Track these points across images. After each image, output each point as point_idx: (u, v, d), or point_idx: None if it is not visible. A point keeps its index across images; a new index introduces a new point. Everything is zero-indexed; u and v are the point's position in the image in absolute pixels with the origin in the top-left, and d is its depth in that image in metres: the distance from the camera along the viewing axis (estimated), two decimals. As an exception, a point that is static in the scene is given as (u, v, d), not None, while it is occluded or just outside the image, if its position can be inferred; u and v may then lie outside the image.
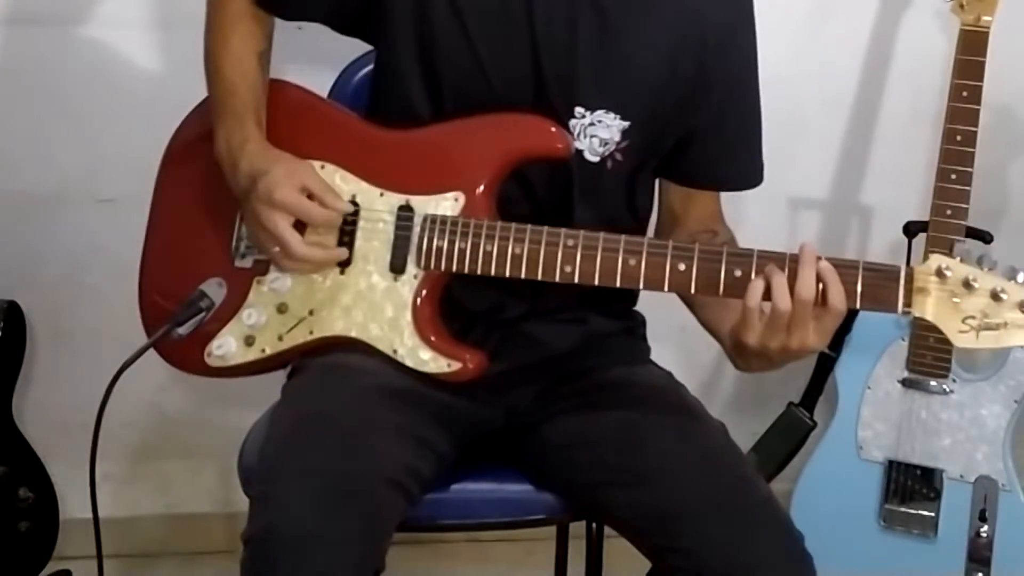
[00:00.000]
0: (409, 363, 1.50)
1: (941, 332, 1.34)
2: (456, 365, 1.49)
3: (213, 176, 1.57)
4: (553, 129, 1.49)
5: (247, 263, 1.58)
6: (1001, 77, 2.13)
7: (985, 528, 2.13)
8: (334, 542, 1.30)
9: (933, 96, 2.24)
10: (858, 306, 1.35)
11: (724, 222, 1.67)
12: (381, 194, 1.52)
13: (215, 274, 1.58)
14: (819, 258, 1.35)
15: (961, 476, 2.15)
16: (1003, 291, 1.31)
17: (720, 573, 1.39)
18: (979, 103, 2.06)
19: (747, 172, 1.65)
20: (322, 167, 1.54)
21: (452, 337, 1.52)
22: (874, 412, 2.20)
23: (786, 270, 1.35)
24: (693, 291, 1.41)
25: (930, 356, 2.15)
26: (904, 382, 2.17)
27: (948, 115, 2.08)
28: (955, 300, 1.32)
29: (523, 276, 1.45)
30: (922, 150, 2.29)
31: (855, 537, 2.20)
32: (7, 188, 2.27)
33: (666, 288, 1.41)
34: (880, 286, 1.34)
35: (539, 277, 1.45)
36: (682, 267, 1.40)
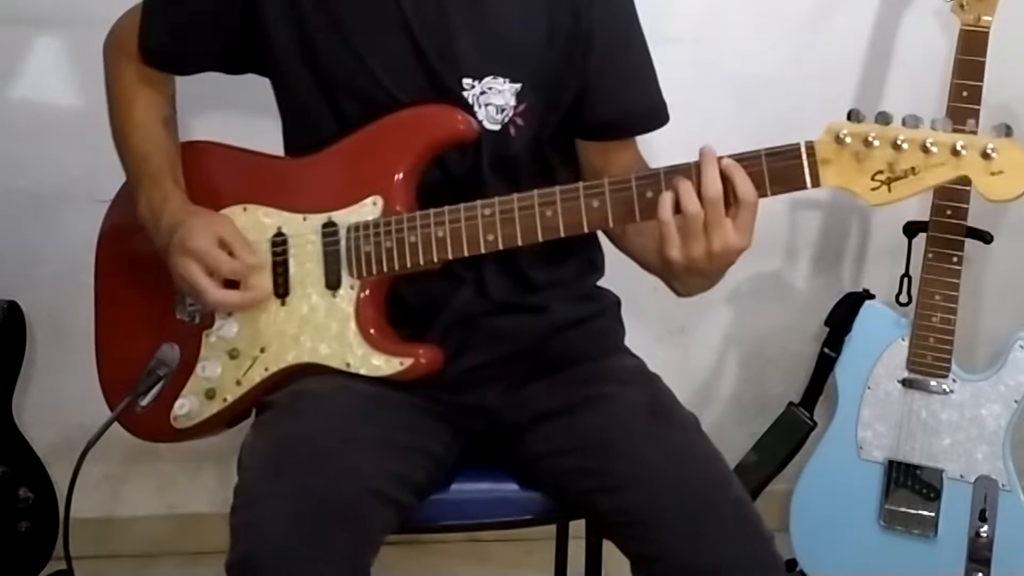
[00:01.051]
0: (364, 371, 1.50)
1: (854, 194, 1.35)
2: (408, 361, 1.50)
3: (147, 246, 1.59)
4: (456, 116, 1.50)
5: (194, 319, 1.60)
6: (1001, 77, 2.13)
7: (985, 528, 2.13)
8: (316, 561, 1.31)
9: (933, 96, 2.24)
10: (769, 192, 1.37)
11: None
12: (304, 218, 1.54)
13: (167, 339, 1.61)
14: (720, 157, 1.37)
15: (961, 476, 2.15)
16: (902, 140, 1.32)
17: None
18: (979, 103, 2.06)
19: (650, 112, 1.65)
20: (244, 209, 1.57)
21: (400, 337, 1.53)
22: (874, 412, 2.20)
23: (692, 178, 1.38)
24: (611, 223, 1.43)
25: (930, 356, 2.15)
26: (904, 382, 2.18)
27: (948, 115, 2.07)
28: (859, 161, 1.34)
29: (451, 256, 1.47)
30: (922, 150, 2.28)
31: (855, 537, 2.20)
32: (8, 188, 2.27)
33: (586, 228, 1.44)
34: (785, 167, 1.37)
35: (466, 253, 1.47)
36: (596, 204, 1.42)
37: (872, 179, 1.33)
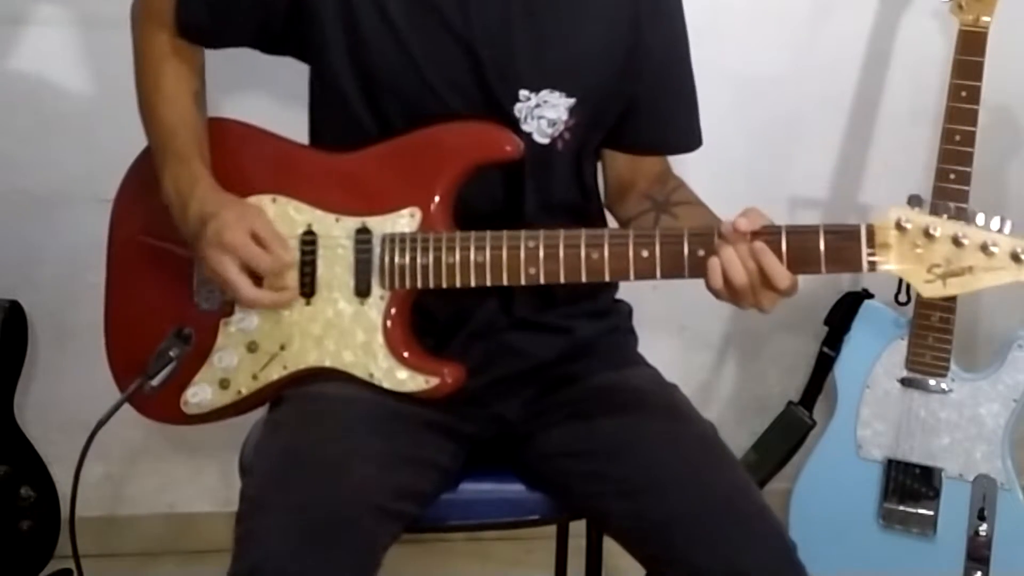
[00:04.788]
0: (387, 385, 1.49)
1: (910, 285, 1.34)
2: (434, 380, 1.48)
3: (165, 224, 1.55)
4: (504, 136, 1.48)
5: (212, 306, 1.56)
6: (1000, 77, 2.14)
7: (984, 527, 2.13)
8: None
9: (932, 96, 2.25)
10: (824, 269, 1.34)
11: (672, 173, 1.67)
12: (337, 220, 1.51)
13: (181, 322, 1.56)
14: (749, 236, 1.34)
15: (960, 475, 2.16)
16: (963, 236, 1.30)
17: None
18: (978, 103, 2.06)
19: (689, 134, 1.65)
20: (273, 200, 1.53)
21: (427, 353, 1.51)
22: (873, 411, 2.20)
23: (749, 241, 1.35)
24: (659, 276, 1.40)
25: (929, 355, 2.15)
26: (903, 381, 2.18)
27: (947, 115, 2.08)
28: (918, 251, 1.32)
29: (488, 283, 1.45)
30: (921, 150, 2.29)
31: (854, 536, 2.21)
32: (9, 187, 2.27)
33: (632, 277, 1.41)
34: (843, 247, 1.34)
35: (505, 282, 1.44)
36: (645, 254, 1.40)
37: (928, 271, 1.32)
